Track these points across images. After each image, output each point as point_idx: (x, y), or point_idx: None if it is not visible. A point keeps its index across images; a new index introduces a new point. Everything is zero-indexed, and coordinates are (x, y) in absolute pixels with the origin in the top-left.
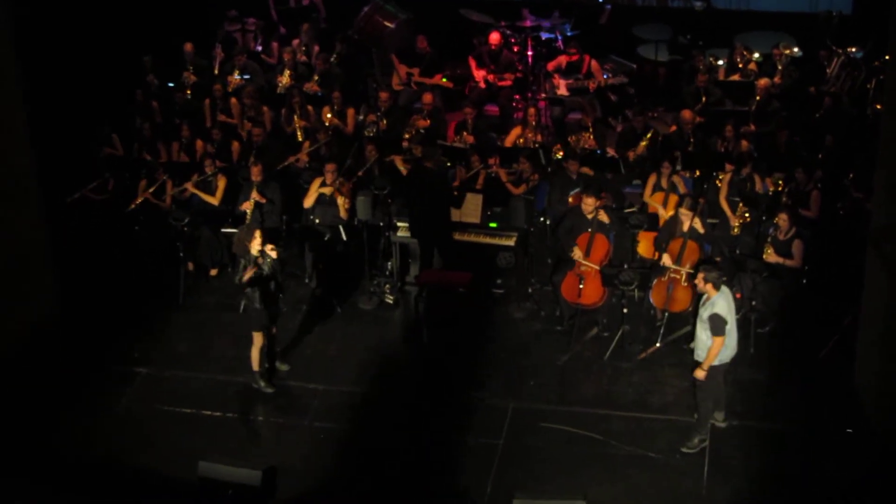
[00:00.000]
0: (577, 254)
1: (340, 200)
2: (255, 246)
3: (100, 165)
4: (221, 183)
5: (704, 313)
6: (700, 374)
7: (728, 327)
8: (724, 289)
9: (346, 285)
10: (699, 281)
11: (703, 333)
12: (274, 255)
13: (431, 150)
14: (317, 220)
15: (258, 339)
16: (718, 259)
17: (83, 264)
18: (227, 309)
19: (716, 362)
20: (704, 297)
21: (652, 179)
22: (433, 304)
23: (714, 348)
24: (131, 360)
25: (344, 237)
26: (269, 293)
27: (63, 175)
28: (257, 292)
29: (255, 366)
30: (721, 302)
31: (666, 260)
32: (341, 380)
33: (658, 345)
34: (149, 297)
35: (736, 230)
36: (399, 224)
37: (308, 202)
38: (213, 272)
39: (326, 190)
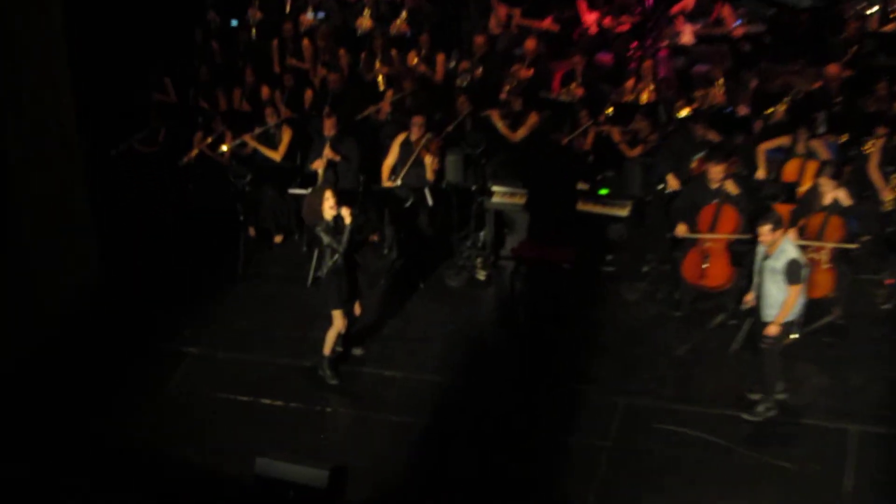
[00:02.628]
0: (682, 230)
1: (428, 160)
2: (328, 210)
3: (150, 114)
4: (286, 136)
5: (776, 264)
6: (774, 329)
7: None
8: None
9: (430, 258)
10: (765, 232)
11: (772, 286)
12: (349, 220)
13: (557, 120)
14: (399, 182)
15: (338, 319)
16: (866, 238)
17: (128, 227)
18: (294, 281)
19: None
20: (765, 248)
21: (783, 143)
22: (532, 283)
23: (791, 298)
24: (181, 338)
25: (430, 202)
26: (348, 265)
27: (108, 125)
28: (337, 263)
29: (327, 349)
30: (791, 247)
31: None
32: (423, 367)
33: (795, 336)
34: (203, 266)
35: (888, 205)
36: (494, 189)
37: (384, 173)
38: (278, 239)
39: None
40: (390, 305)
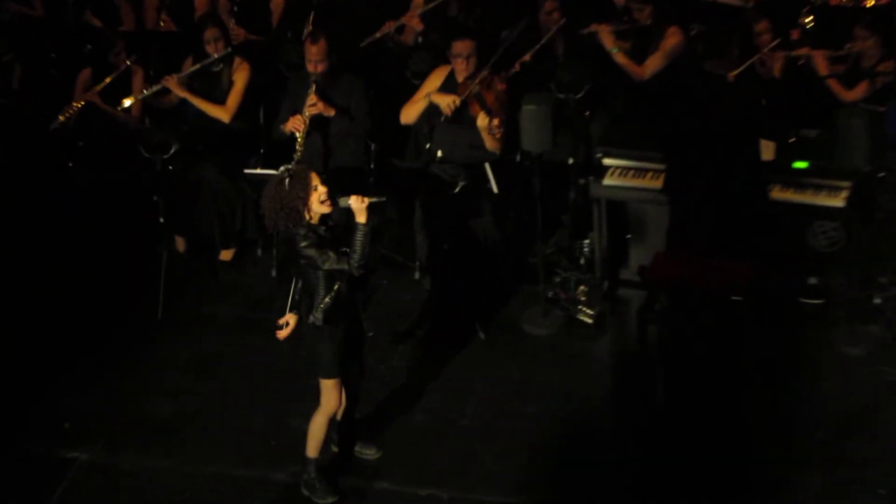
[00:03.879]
0: None
1: (483, 118)
2: (318, 203)
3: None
4: (239, 76)
5: None
6: None
7: None
8: None
9: (495, 287)
10: None
11: None
12: (362, 218)
13: (716, 40)
14: (438, 154)
15: (332, 394)
16: None
17: None
18: (253, 331)
19: None
20: None
21: None
22: (677, 328)
23: None
24: (59, 435)
25: (494, 188)
26: (348, 299)
27: None
28: (341, 295)
29: (312, 450)
30: None
31: None
32: (485, 483)
33: None
34: (96, 306)
35: None
36: (608, 162)
37: (411, 112)
38: (226, 256)
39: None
40: (425, 372)
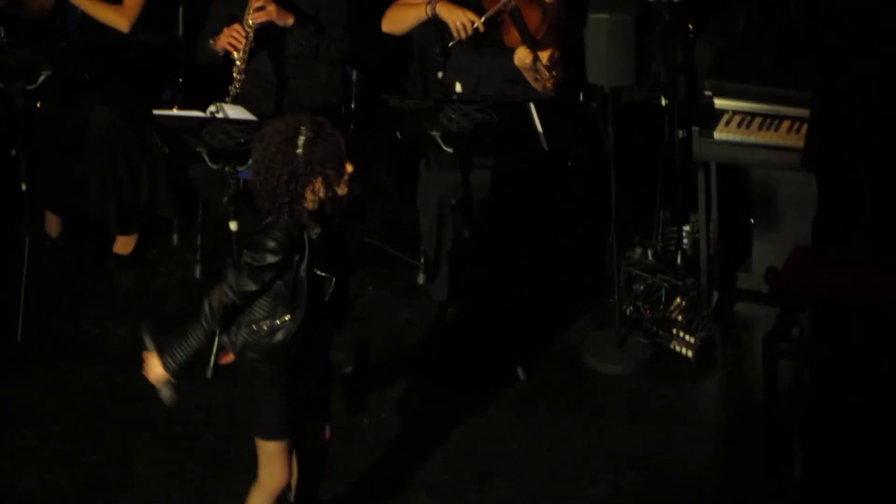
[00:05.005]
0: None
1: (522, 55)
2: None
3: None
4: None
5: None
6: None
7: None
8: None
9: (546, 297)
10: None
11: None
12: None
13: None
14: (457, 88)
15: (274, 463)
16: None
17: None
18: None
19: None
20: None
21: None
22: (826, 363)
23: None
24: None
25: (543, 143)
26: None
27: None
28: (272, 315)
29: None
30: None
31: None
32: None
33: None
34: None
35: None
36: (721, 105)
37: (403, 17)
38: (124, 246)
39: None
40: (432, 431)
